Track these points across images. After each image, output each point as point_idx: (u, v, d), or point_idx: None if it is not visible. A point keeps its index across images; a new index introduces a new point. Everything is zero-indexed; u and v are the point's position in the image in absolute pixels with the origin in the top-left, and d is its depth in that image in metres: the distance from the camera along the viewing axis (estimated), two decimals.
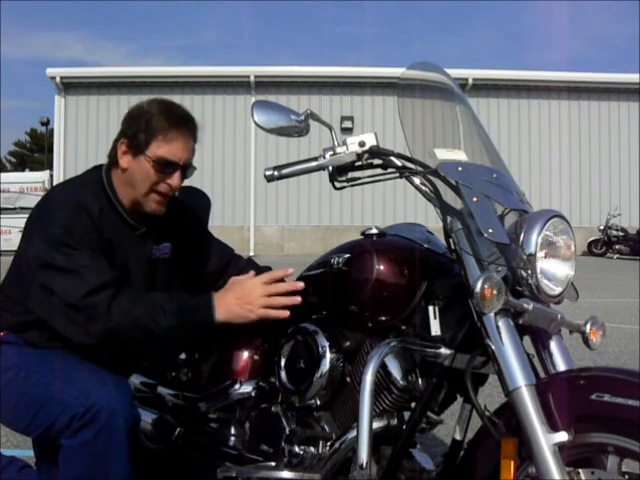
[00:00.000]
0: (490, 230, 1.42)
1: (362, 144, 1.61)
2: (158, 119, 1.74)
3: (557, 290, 1.47)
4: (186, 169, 1.78)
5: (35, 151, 41.61)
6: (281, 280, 1.72)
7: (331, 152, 1.62)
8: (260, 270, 2.11)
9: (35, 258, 1.67)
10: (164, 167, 1.74)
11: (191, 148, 1.79)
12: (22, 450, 2.63)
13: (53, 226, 1.66)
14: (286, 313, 1.66)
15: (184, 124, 1.77)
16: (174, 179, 1.75)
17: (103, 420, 1.57)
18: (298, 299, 1.66)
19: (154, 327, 1.61)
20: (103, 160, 1.88)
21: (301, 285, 1.67)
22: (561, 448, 1.29)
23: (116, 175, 1.80)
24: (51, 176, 18.38)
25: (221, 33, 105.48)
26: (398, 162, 1.61)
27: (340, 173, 1.64)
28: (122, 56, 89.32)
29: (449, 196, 1.53)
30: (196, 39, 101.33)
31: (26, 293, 1.71)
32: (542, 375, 1.44)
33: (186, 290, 2.01)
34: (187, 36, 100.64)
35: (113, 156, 1.80)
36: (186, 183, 1.98)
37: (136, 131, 1.74)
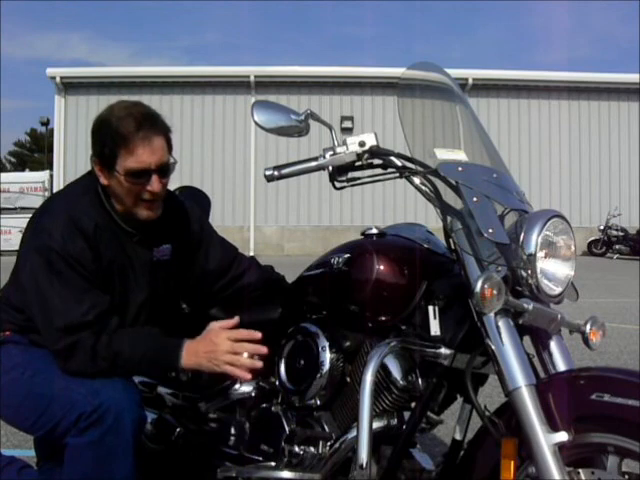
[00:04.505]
0: (490, 230, 1.42)
1: (362, 144, 1.61)
2: (116, 129, 1.66)
3: (557, 290, 1.47)
4: (163, 169, 1.71)
5: (35, 151, 41.60)
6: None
7: (331, 152, 1.62)
8: (262, 270, 2.12)
9: (28, 281, 1.68)
10: (137, 177, 1.68)
11: (160, 147, 1.70)
12: (22, 450, 2.63)
13: (47, 249, 1.64)
14: (248, 376, 1.65)
15: (144, 126, 1.67)
16: (153, 184, 1.69)
17: (111, 420, 1.57)
18: (260, 364, 1.65)
19: (124, 370, 1.66)
20: None
21: (264, 350, 1.65)
22: (561, 448, 1.29)
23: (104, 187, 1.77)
24: (51, 176, 18.37)
25: (224, 33, 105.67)
26: (398, 162, 1.61)
27: (340, 173, 1.64)
28: (125, 56, 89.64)
29: (449, 196, 1.53)
30: (200, 39, 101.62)
31: (26, 305, 1.73)
32: (542, 375, 1.44)
33: (186, 290, 2.01)
34: (191, 36, 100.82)
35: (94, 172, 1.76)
36: (186, 183, 1.97)
37: (101, 147, 1.69)
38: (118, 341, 1.65)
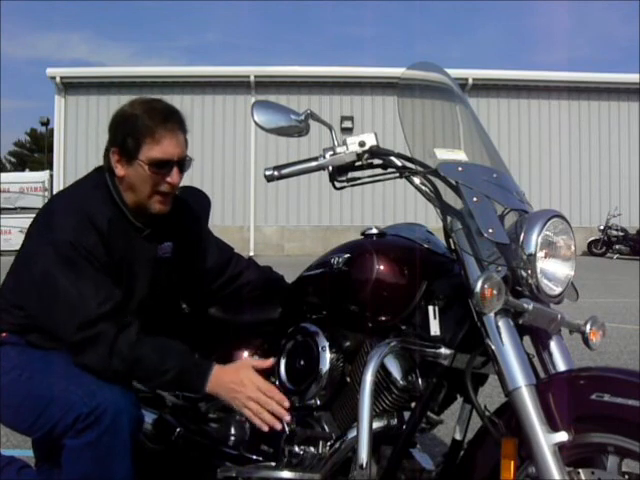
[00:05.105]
0: (490, 230, 1.42)
1: (362, 144, 1.60)
2: (142, 121, 1.70)
3: (557, 290, 1.47)
4: (182, 163, 1.76)
5: (35, 151, 41.60)
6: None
7: (331, 152, 1.62)
8: (260, 270, 2.12)
9: (41, 274, 1.65)
10: (160, 167, 1.72)
11: (182, 141, 1.76)
12: (22, 450, 2.63)
13: (61, 242, 1.63)
14: (265, 428, 1.63)
15: (169, 119, 1.73)
16: (173, 176, 1.73)
17: (108, 421, 1.57)
18: (279, 426, 1.63)
19: (139, 377, 1.66)
20: (102, 160, 1.87)
21: (288, 418, 1.64)
22: (561, 448, 1.29)
23: (117, 181, 1.78)
24: (51, 176, 18.37)
25: (224, 34, 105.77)
26: (398, 162, 1.61)
27: (340, 173, 1.64)
28: (126, 56, 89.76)
29: (449, 196, 1.53)
30: (200, 39, 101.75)
31: (30, 302, 1.71)
32: (542, 375, 1.44)
33: (185, 289, 2.01)
34: (191, 36, 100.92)
35: (108, 165, 1.77)
36: (186, 183, 1.97)
37: (124, 137, 1.72)
38: (145, 347, 1.63)
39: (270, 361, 1.73)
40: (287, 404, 1.65)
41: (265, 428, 1.63)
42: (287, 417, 1.64)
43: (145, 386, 1.72)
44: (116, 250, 1.71)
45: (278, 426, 1.63)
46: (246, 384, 1.64)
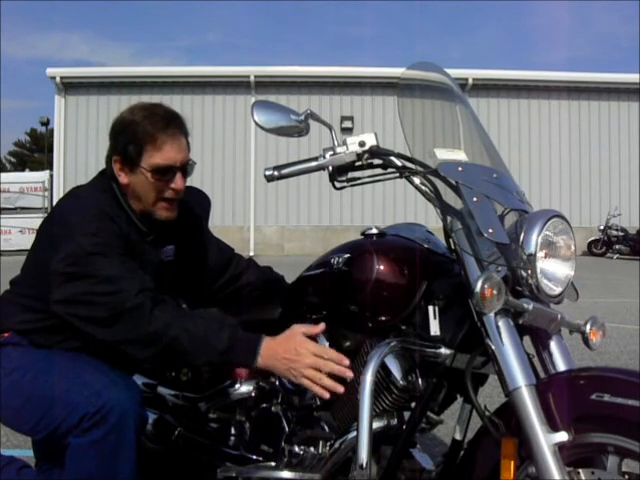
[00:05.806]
0: (490, 230, 1.42)
1: (362, 144, 1.60)
2: (143, 127, 1.69)
3: (557, 290, 1.47)
4: (185, 168, 1.76)
5: (35, 151, 41.61)
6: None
7: (331, 152, 1.62)
8: (261, 270, 2.12)
9: (66, 267, 1.60)
10: (163, 174, 1.71)
11: (184, 146, 1.75)
12: (22, 450, 2.63)
13: (82, 236, 1.61)
14: (327, 395, 1.53)
15: (170, 125, 1.72)
16: (177, 182, 1.73)
17: (114, 420, 1.56)
18: (341, 389, 1.53)
19: (193, 354, 1.55)
20: (102, 160, 1.86)
21: (350, 375, 1.53)
22: (561, 448, 1.29)
23: (122, 187, 1.77)
24: (51, 176, 18.36)
25: (224, 34, 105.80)
26: (398, 162, 1.61)
27: (340, 173, 1.64)
28: (126, 56, 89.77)
29: (449, 196, 1.53)
30: (200, 39, 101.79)
31: (51, 302, 1.65)
32: (542, 375, 1.44)
33: (186, 290, 2.01)
34: (191, 36, 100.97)
35: (111, 171, 1.76)
36: (186, 183, 1.97)
37: (125, 145, 1.71)
38: (188, 316, 1.58)
39: (321, 326, 1.62)
40: (347, 362, 1.54)
41: (326, 395, 1.52)
42: (349, 374, 1.53)
43: (192, 362, 1.62)
44: (129, 251, 1.70)
45: (340, 389, 1.52)
46: (301, 352, 1.53)
